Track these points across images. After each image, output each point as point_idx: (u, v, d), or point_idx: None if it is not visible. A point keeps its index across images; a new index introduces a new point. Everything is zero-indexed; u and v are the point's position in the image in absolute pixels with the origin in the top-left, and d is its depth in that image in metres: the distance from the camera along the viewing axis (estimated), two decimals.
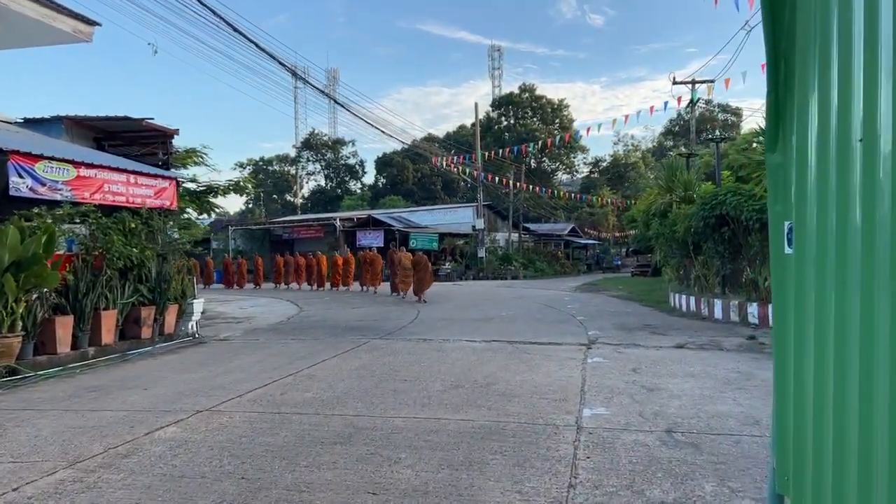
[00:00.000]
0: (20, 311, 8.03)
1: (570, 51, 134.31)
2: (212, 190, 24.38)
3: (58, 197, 8.96)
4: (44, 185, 8.71)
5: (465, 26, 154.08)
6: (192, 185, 24.29)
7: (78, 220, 9.32)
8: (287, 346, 10.52)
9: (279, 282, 30.80)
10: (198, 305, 12.01)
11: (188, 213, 24.49)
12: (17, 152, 8.25)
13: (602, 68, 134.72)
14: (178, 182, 12.03)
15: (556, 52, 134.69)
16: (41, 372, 8.22)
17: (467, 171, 44.45)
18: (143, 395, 7.01)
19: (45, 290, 8.66)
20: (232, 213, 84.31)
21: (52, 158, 8.78)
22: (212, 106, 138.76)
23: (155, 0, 31.38)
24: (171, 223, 11.70)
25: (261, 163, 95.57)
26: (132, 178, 10.43)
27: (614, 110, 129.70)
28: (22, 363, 8.14)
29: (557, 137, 49.43)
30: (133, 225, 10.26)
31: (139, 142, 13.81)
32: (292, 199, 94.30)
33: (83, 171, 9.37)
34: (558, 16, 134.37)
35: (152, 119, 12.21)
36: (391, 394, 6.80)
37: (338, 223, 39.16)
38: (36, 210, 8.55)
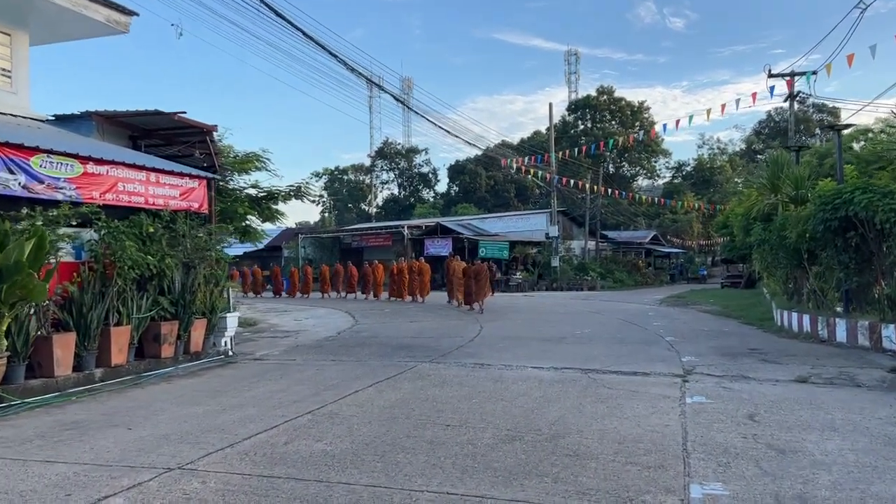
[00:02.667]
0: (3, 327, 6.86)
1: (650, 55, 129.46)
2: (273, 196, 23.63)
3: (59, 196, 7.82)
4: (41, 182, 7.58)
5: (540, 33, 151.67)
6: (253, 192, 23.73)
7: (75, 223, 8.14)
8: (322, 371, 9.04)
9: (326, 291, 30.04)
10: (232, 320, 10.75)
11: (249, 219, 23.87)
12: (6, 144, 7.13)
13: (683, 72, 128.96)
14: (210, 182, 10.80)
15: (634, 57, 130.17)
16: (29, 399, 7.03)
17: (539, 174, 42.34)
18: (120, 437, 5.63)
19: (44, 303, 7.50)
20: (312, 223, 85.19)
21: (50, 152, 7.65)
22: (292, 118, 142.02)
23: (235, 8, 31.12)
24: (204, 228, 10.47)
25: (336, 172, 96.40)
26: (153, 176, 9.24)
27: (697, 115, 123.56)
28: (8, 388, 6.98)
29: (640, 133, 46.79)
30: (152, 229, 9.05)
31: (178, 140, 12.76)
32: (366, 208, 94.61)
33: (91, 168, 8.22)
34: (637, 20, 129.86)
35: (184, 113, 11.08)
36: (425, 448, 5.15)
37: (406, 231, 37.93)
38: (26, 210, 7.41)
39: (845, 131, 11.87)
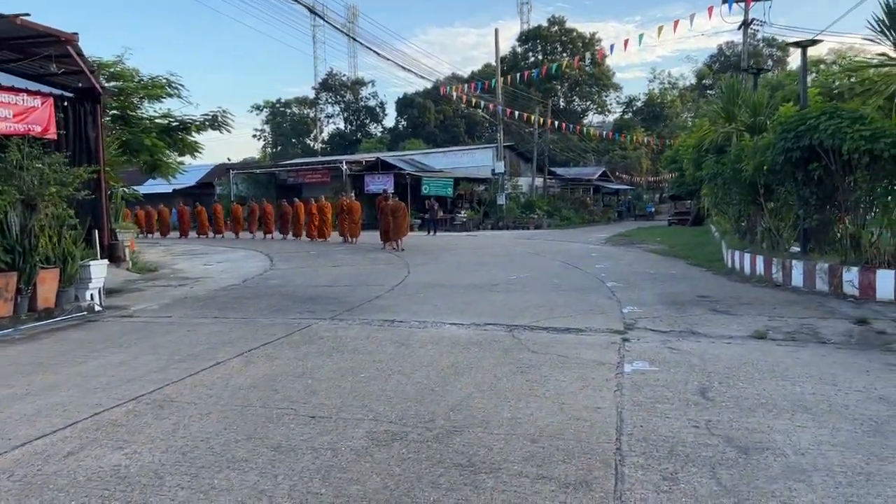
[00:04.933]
0: None
1: None
2: (185, 126, 21.32)
3: None
4: None
5: None
6: (164, 122, 21.37)
7: None
8: (192, 333, 7.44)
9: (238, 230, 28.53)
10: (98, 269, 8.97)
11: (167, 153, 21.60)
12: None
13: (636, 6, 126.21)
14: (57, 99, 8.79)
15: None
16: None
17: (486, 108, 40.40)
18: None
19: None
20: (256, 159, 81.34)
21: None
22: (226, 49, 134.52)
23: None
24: (49, 157, 8.52)
25: (278, 105, 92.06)
26: None
27: (648, 51, 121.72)
28: None
29: (588, 60, 45.43)
30: None
31: (34, 53, 10.55)
32: (311, 144, 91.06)
33: None
34: None
35: (28, 15, 8.93)
36: (264, 459, 3.68)
37: (344, 167, 35.79)
38: None
39: (810, 49, 10.50)
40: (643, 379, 5.26)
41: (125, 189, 22.60)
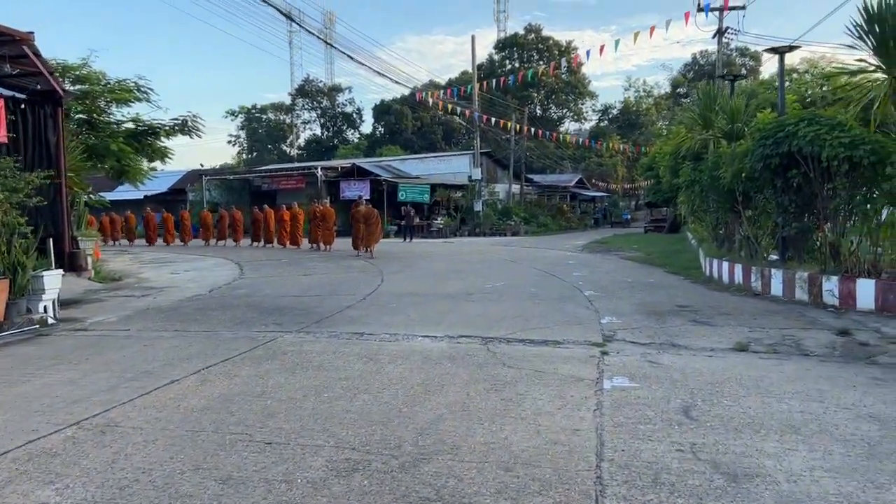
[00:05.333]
0: None
1: None
2: (154, 130, 20.77)
3: None
4: None
5: None
6: (132, 126, 20.83)
7: None
8: (149, 348, 7.03)
9: (207, 238, 27.79)
10: (52, 280, 8.51)
11: (138, 159, 21.07)
12: None
13: (612, 16, 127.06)
14: (9, 101, 8.35)
15: None
16: None
17: (458, 111, 40.21)
18: None
19: None
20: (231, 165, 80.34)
21: None
22: (201, 54, 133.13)
23: None
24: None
25: (253, 111, 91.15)
26: None
27: (624, 60, 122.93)
28: None
29: (564, 66, 45.81)
30: None
31: None
32: (288, 150, 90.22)
33: None
34: None
35: None
36: (210, 494, 3.33)
37: (319, 172, 35.32)
38: None
39: (789, 55, 10.40)
40: (624, 397, 4.99)
41: (91, 195, 21.98)
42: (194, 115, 20.82)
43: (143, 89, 19.76)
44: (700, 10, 26.38)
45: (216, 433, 4.25)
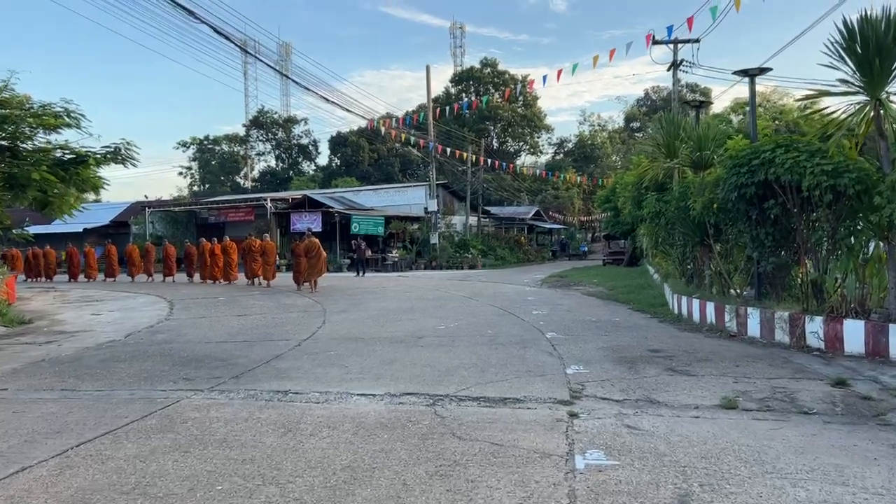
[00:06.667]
0: None
1: (534, 36, 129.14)
2: (82, 159, 19.24)
3: None
4: None
5: (428, 9, 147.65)
6: (56, 153, 19.26)
7: None
8: (21, 414, 5.69)
9: (133, 274, 26.17)
10: None
11: (58, 188, 19.48)
12: None
13: (565, 54, 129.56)
14: None
15: (519, 38, 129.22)
16: None
17: (415, 141, 39.43)
18: None
19: None
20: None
21: None
22: (159, 87, 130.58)
23: None
24: None
25: (206, 142, 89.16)
26: None
27: (577, 97, 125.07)
28: None
29: (518, 88, 45.98)
30: None
31: None
32: (242, 182, 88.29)
33: None
34: (522, 1, 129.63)
35: None
36: None
37: (269, 204, 33.90)
38: None
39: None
40: (601, 483, 3.93)
41: (14, 230, 20.24)
42: (128, 143, 19.32)
43: (73, 115, 18.30)
44: (655, 42, 26.26)
45: None
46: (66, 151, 18.83)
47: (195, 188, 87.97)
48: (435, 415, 5.48)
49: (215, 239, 23.26)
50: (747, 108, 32.78)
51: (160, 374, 7.36)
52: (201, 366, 7.77)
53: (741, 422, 5.25)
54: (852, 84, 7.60)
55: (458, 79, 72.29)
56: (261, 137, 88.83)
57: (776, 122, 28.00)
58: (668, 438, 4.81)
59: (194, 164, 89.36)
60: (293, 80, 37.57)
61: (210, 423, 5.28)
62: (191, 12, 16.34)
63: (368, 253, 30.99)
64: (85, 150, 18.89)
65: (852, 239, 8.16)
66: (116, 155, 19.45)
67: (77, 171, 19.18)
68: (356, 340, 9.56)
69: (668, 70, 27.18)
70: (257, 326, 11.32)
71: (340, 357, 8.20)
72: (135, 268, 25.67)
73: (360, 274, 27.75)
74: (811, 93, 8.13)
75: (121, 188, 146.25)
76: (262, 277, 20.45)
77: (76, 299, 18.32)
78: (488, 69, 70.38)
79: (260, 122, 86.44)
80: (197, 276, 23.56)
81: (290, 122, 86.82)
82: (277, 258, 22.68)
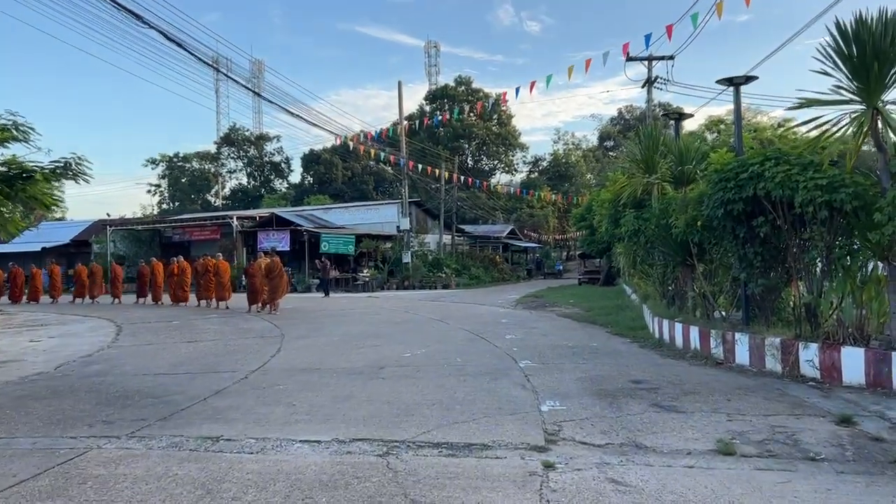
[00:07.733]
0: None
1: (509, 57, 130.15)
2: (29, 174, 18.14)
3: None
4: None
5: (403, 30, 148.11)
6: (3, 169, 18.13)
7: None
8: None
9: (80, 295, 24.82)
10: None
11: (3, 205, 18.32)
12: None
13: (539, 74, 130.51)
14: None
15: (494, 58, 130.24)
16: None
17: (388, 159, 38.72)
18: None
19: None
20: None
21: None
22: (129, 105, 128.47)
23: None
24: None
25: (175, 159, 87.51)
26: None
27: (552, 116, 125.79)
28: None
29: (491, 101, 45.86)
30: None
31: None
32: (212, 199, 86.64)
33: None
34: (496, 22, 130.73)
35: None
36: None
37: (235, 222, 32.79)
38: None
39: (743, 86, 9.18)
40: None
41: None
42: (79, 157, 18.23)
43: (21, 128, 17.26)
44: (629, 59, 25.98)
45: None
46: (13, 167, 17.77)
47: (164, 206, 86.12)
48: (387, 468, 4.65)
49: (174, 259, 22.11)
50: (721, 126, 32.59)
51: (77, 415, 6.42)
52: (128, 404, 6.84)
53: (743, 473, 4.51)
54: (846, 91, 7.01)
55: (432, 97, 71.91)
56: (232, 155, 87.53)
57: (752, 139, 27.83)
58: (660, 497, 4.05)
59: (163, 182, 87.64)
60: (264, 98, 36.61)
61: (114, 484, 4.39)
62: (138, 17, 15.43)
63: (335, 272, 30.02)
64: (32, 164, 17.85)
65: (849, 259, 7.54)
66: (67, 170, 18.33)
67: (24, 187, 18.08)
68: (311, 371, 8.68)
69: (643, 87, 26.87)
70: (206, 355, 10.36)
71: (289, 393, 7.32)
72: (84, 288, 24.25)
73: (326, 294, 26.77)
74: (800, 101, 7.51)
75: (90, 206, 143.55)
76: (216, 299, 19.41)
77: (20, 323, 17.13)
78: (462, 87, 70.17)
79: (231, 140, 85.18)
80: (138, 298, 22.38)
81: (263, 139, 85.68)
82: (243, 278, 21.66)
